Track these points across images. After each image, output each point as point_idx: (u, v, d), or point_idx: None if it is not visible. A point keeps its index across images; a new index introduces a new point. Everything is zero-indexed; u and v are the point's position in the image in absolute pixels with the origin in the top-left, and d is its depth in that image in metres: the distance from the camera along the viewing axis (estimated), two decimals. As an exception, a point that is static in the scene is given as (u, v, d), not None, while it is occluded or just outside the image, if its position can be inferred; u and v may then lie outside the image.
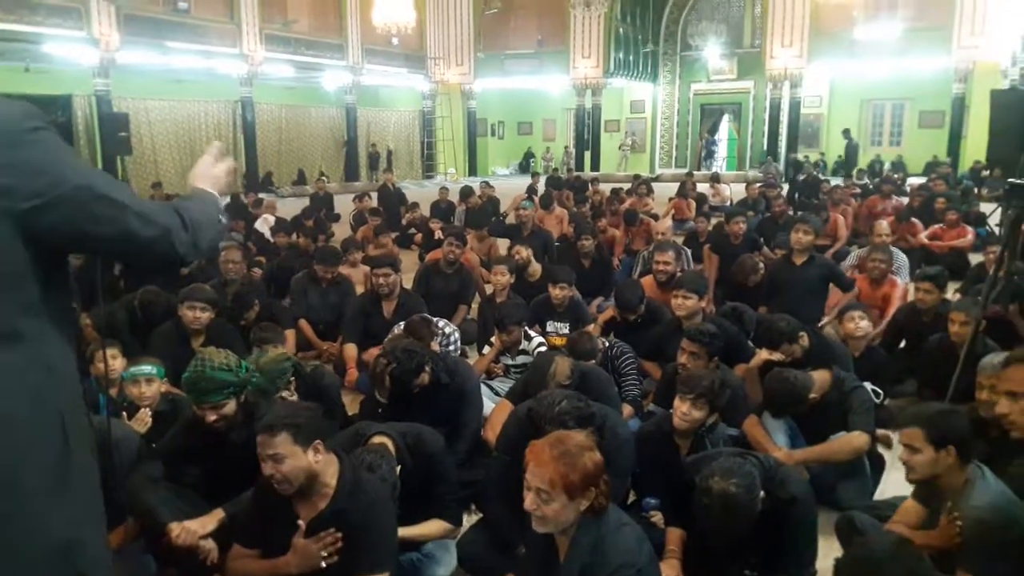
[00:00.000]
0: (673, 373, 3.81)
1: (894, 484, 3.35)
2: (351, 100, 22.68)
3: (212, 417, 2.81)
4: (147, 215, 1.40)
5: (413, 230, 10.74)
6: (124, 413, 3.34)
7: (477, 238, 7.84)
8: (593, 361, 3.98)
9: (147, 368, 3.40)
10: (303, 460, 2.28)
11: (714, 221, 8.65)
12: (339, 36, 21.79)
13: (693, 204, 11.35)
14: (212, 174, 1.71)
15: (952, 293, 5.56)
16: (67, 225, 1.33)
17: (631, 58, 25.09)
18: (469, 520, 3.20)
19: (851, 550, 2.05)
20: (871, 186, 13.92)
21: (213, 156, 1.74)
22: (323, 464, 2.34)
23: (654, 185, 13.85)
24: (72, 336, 1.45)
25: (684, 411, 2.99)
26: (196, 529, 2.61)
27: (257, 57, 18.85)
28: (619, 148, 26.58)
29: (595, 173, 22.12)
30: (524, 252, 6.03)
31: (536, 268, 6.04)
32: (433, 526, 2.84)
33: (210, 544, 2.63)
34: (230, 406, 2.82)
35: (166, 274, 5.28)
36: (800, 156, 21.94)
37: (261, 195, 13.78)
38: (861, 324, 4.43)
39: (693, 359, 3.69)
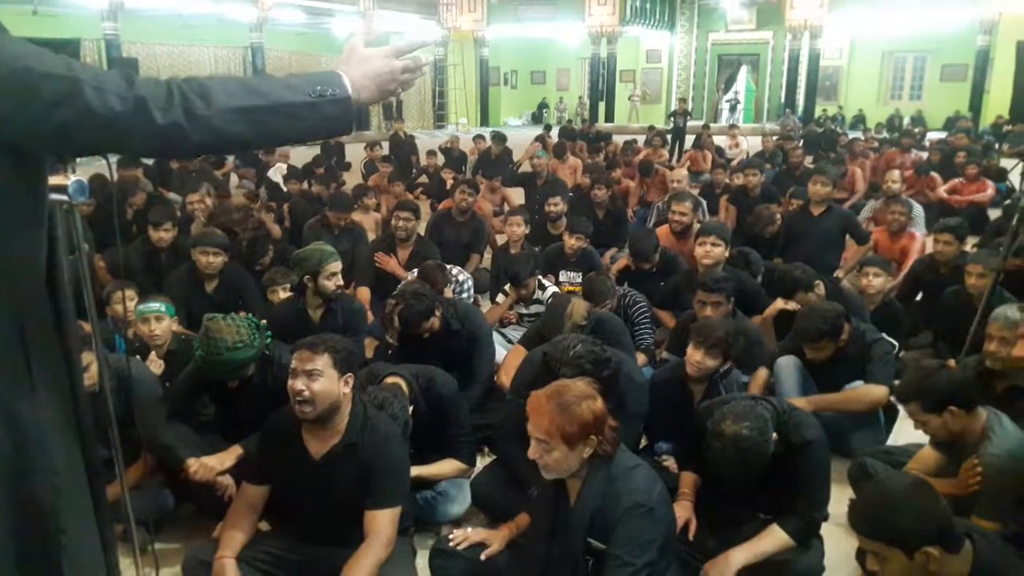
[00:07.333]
0: (687, 321, 3.80)
1: (906, 433, 3.35)
2: (362, 47, 22.29)
3: (234, 384, 2.84)
4: (105, 87, 1.15)
5: (424, 177, 10.65)
6: (138, 356, 3.37)
7: (489, 188, 7.77)
8: (609, 304, 3.97)
9: (155, 305, 3.39)
10: (335, 386, 2.30)
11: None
12: (350, -19, 21.35)
13: (709, 156, 11.21)
14: (371, 65, 1.34)
15: (971, 247, 5.50)
16: (13, 119, 1.09)
17: (648, 5, 24.49)
18: (483, 461, 3.23)
19: (867, 489, 2.04)
20: (889, 140, 13.69)
21: (388, 50, 1.37)
22: (347, 399, 2.36)
23: (669, 137, 13.66)
24: (38, 259, 1.27)
25: (698, 359, 2.98)
26: (214, 465, 2.65)
27: (267, 2, 18.52)
28: (628, 99, 26.10)
29: (609, 124, 21.76)
30: (561, 204, 5.99)
31: (563, 221, 5.98)
32: (447, 466, 2.88)
33: (228, 480, 2.67)
34: (251, 368, 2.84)
35: (172, 158, 4.77)
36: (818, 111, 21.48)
37: (272, 143, 13.65)
38: (875, 282, 4.37)
39: (716, 308, 3.67)
